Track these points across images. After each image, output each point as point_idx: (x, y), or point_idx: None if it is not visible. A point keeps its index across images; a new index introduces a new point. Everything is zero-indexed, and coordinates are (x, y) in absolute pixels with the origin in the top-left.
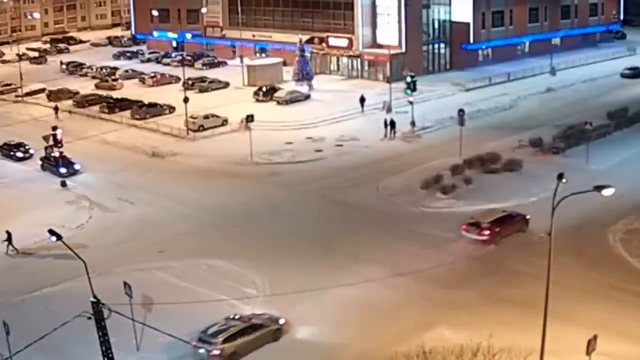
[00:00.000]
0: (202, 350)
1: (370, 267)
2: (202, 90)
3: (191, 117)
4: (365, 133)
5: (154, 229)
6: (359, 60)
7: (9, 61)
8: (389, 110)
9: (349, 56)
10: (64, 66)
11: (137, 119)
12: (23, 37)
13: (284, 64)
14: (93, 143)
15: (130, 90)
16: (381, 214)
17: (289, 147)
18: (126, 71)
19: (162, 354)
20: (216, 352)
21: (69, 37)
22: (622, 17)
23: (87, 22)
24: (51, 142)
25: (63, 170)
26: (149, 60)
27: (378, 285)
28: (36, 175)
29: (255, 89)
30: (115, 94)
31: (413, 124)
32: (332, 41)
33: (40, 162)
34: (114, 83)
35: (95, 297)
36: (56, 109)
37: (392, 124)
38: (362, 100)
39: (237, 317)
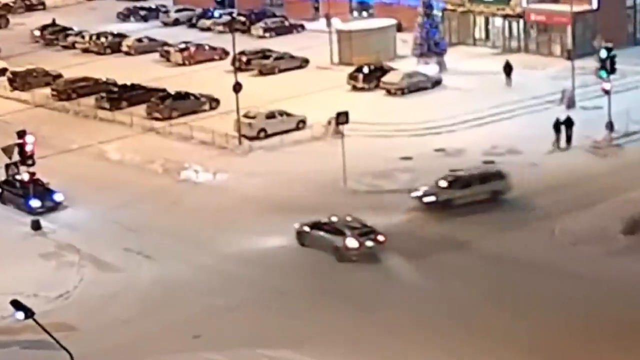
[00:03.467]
0: (370, 243)
1: None
2: (264, 72)
3: (246, 115)
4: (530, 142)
5: (184, 300)
6: (521, 22)
7: None
8: (570, 104)
9: (506, 16)
10: (37, 32)
11: (157, 118)
12: None
13: (399, 28)
14: (85, 158)
15: (146, 71)
16: (560, 275)
17: (407, 165)
18: (139, 40)
19: None
20: (381, 238)
21: None
22: None
23: None
24: (15, 157)
25: (35, 203)
26: (176, 22)
27: None
28: None
29: (351, 69)
30: (121, 79)
31: (610, 126)
32: None
33: None
34: None
35: None
36: None
37: (568, 124)
38: (508, 68)
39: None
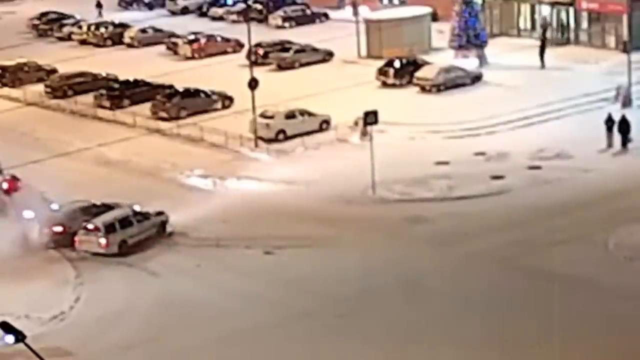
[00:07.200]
0: None
1: None
2: (283, 67)
3: (263, 115)
4: (581, 145)
5: (195, 322)
6: (571, 10)
7: None
8: (625, 102)
9: (554, 3)
10: (29, 22)
11: (163, 118)
12: None
13: (434, 17)
14: (82, 163)
15: (151, 65)
16: (614, 294)
17: (443, 170)
18: (144, 31)
19: None
20: None
21: None
22: None
23: None
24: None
25: (28, 214)
26: (185, 10)
27: None
28: None
29: (381, 64)
30: (123, 74)
31: None
32: None
33: None
34: None
35: None
36: None
37: (624, 127)
38: (542, 47)
39: None
